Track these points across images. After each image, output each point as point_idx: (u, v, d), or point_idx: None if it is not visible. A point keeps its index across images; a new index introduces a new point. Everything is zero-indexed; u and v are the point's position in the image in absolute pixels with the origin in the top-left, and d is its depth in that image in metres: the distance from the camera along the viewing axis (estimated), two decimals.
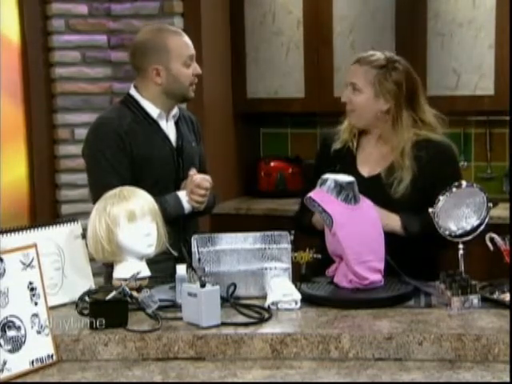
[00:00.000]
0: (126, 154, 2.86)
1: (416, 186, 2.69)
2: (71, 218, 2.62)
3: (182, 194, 2.88)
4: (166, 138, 2.96)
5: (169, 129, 2.98)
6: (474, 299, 2.31)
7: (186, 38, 2.98)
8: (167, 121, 2.97)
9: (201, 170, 3.06)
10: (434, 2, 4.42)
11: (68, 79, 4.42)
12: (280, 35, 4.75)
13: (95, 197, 2.76)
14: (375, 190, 2.66)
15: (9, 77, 4.25)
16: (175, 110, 3.00)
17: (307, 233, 2.80)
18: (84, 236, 2.54)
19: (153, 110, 2.94)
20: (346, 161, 2.79)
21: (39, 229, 2.47)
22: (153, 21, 4.25)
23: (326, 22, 4.62)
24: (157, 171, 2.90)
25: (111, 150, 2.86)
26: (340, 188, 2.48)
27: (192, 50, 2.97)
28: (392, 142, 2.75)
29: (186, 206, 2.87)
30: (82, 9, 4.42)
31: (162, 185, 2.85)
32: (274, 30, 4.76)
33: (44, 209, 4.41)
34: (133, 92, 2.97)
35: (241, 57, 4.84)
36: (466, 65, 4.41)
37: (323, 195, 2.49)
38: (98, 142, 2.90)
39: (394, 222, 2.66)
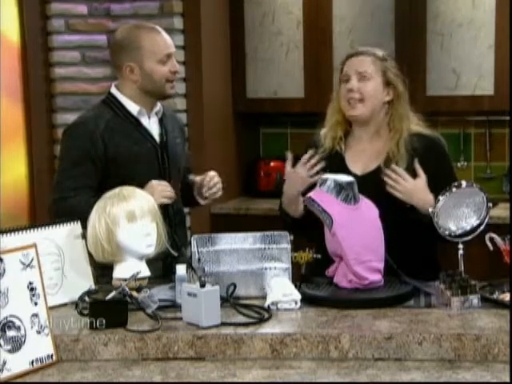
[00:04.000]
0: (96, 156, 2.84)
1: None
2: (71, 218, 2.62)
3: None
4: (148, 134, 2.95)
5: (152, 125, 2.97)
6: (474, 299, 2.31)
7: (162, 35, 2.96)
8: (150, 117, 2.97)
9: (186, 168, 3.12)
10: (434, 2, 4.43)
11: (68, 79, 4.42)
12: (280, 35, 4.75)
13: (53, 192, 2.91)
14: (370, 187, 2.63)
15: (8, 77, 4.25)
16: (158, 107, 3.00)
17: (289, 225, 2.78)
18: (84, 236, 2.54)
19: (132, 108, 2.94)
20: (334, 163, 2.77)
21: (39, 229, 2.47)
22: (152, 21, 4.23)
23: (325, 22, 4.62)
24: (138, 169, 2.88)
25: (78, 151, 2.86)
26: (340, 188, 2.48)
27: (168, 48, 2.94)
28: (387, 136, 2.78)
29: None
30: (82, 9, 4.42)
31: (145, 181, 2.78)
32: (273, 29, 4.76)
33: (44, 209, 4.38)
34: (113, 90, 2.98)
35: (241, 57, 4.84)
36: (465, 65, 4.41)
37: (323, 195, 2.49)
38: (68, 143, 2.93)
39: (430, 200, 2.58)
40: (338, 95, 2.83)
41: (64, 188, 2.85)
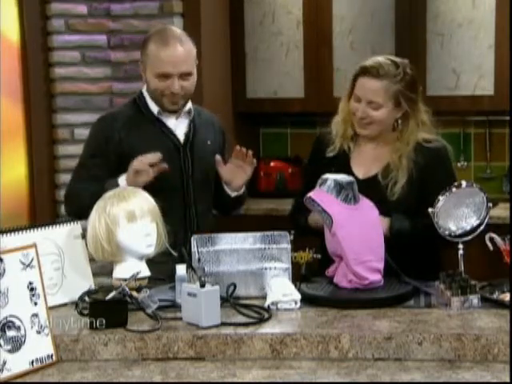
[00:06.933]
0: (111, 150, 2.88)
1: (412, 188, 2.68)
2: (71, 218, 2.62)
3: (121, 179, 2.80)
4: (170, 133, 2.93)
5: (179, 125, 2.95)
6: (474, 299, 2.32)
7: (168, 53, 2.82)
8: (177, 117, 2.95)
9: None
10: (434, 2, 4.42)
11: (68, 79, 4.41)
12: (280, 35, 4.75)
13: (69, 182, 3.01)
14: (370, 191, 2.62)
15: (8, 77, 4.24)
16: (188, 107, 2.97)
17: (303, 233, 2.77)
18: (84, 236, 2.54)
19: (154, 107, 2.93)
20: (339, 163, 2.77)
21: (39, 229, 2.47)
22: (152, 21, 4.24)
23: (325, 22, 4.62)
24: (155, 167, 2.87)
25: (94, 143, 2.95)
26: (340, 188, 2.48)
27: (167, 67, 2.81)
28: (392, 145, 2.74)
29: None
30: (82, 9, 4.41)
31: (164, 180, 2.78)
32: (273, 29, 4.76)
33: (44, 209, 4.40)
34: (144, 89, 2.98)
35: (240, 57, 4.83)
36: (465, 65, 4.41)
37: (323, 195, 2.49)
38: (89, 134, 3.02)
39: (383, 225, 2.61)
40: (347, 98, 2.76)
41: (76, 177, 2.97)
